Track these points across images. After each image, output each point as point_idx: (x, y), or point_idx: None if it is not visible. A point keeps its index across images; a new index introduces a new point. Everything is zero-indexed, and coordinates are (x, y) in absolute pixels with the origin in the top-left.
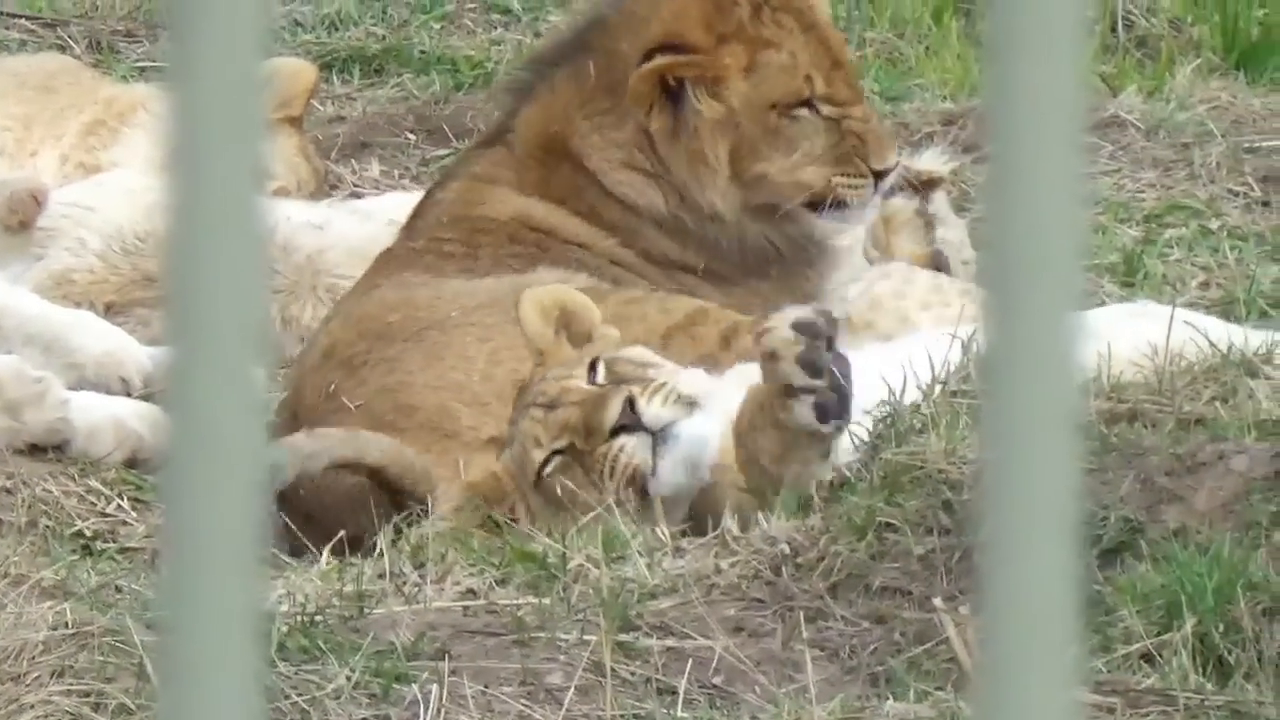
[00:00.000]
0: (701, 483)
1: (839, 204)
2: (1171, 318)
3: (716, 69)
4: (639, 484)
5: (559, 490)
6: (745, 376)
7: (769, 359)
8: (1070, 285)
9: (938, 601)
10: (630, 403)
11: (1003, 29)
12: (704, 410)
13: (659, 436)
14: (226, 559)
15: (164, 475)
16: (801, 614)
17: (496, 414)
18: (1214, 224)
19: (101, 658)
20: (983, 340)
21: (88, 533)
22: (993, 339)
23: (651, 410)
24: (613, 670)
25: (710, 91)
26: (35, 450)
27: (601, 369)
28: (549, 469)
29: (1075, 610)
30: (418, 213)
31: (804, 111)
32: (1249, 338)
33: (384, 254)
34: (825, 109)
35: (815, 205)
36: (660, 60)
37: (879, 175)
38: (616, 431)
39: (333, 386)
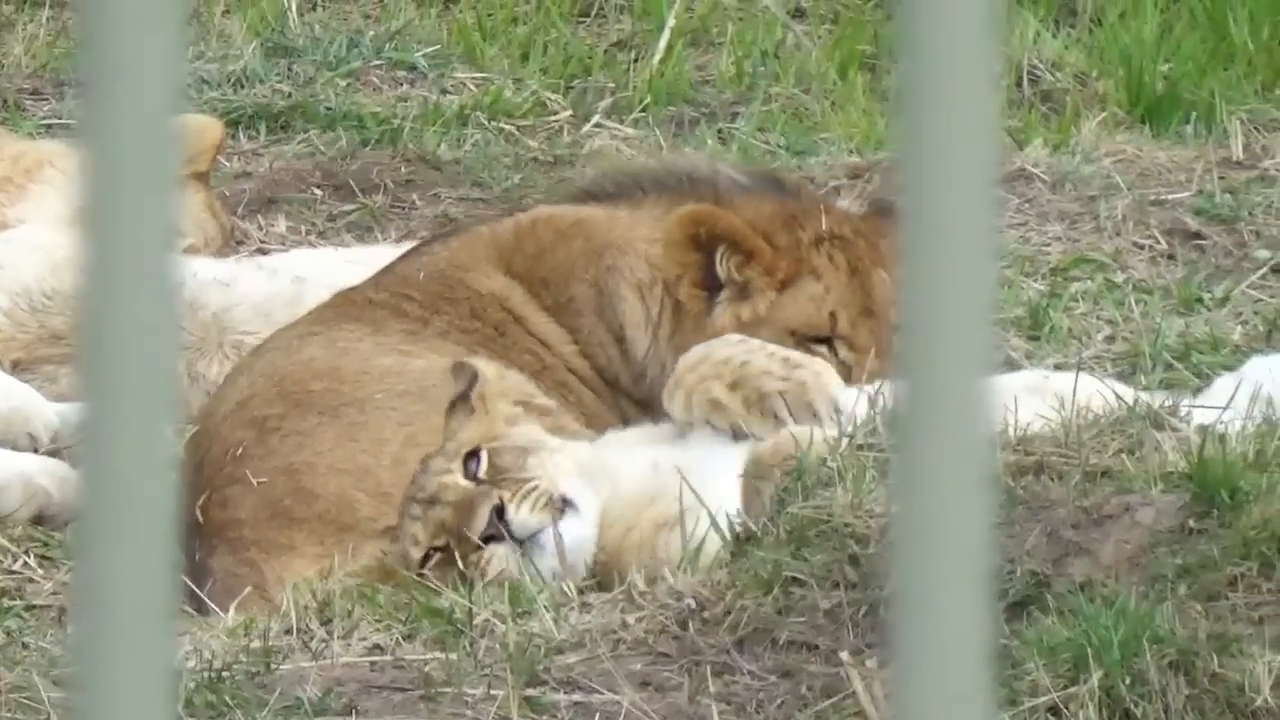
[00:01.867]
0: (582, 574)
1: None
2: (1075, 383)
3: (754, 250)
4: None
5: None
6: (637, 439)
7: None
8: (982, 338)
9: (844, 655)
10: (499, 510)
11: (914, 82)
12: (577, 507)
13: (527, 545)
14: (139, 613)
15: (76, 530)
16: (708, 668)
17: (397, 505)
18: (1119, 277)
19: (9, 714)
20: (895, 393)
21: None
22: (905, 391)
23: (519, 519)
24: None
25: (741, 281)
26: None
27: (484, 460)
28: (429, 566)
29: (988, 663)
30: (403, 259)
31: (821, 349)
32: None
33: (342, 295)
34: (842, 353)
35: None
36: (699, 218)
37: None
38: (487, 539)
39: (240, 449)
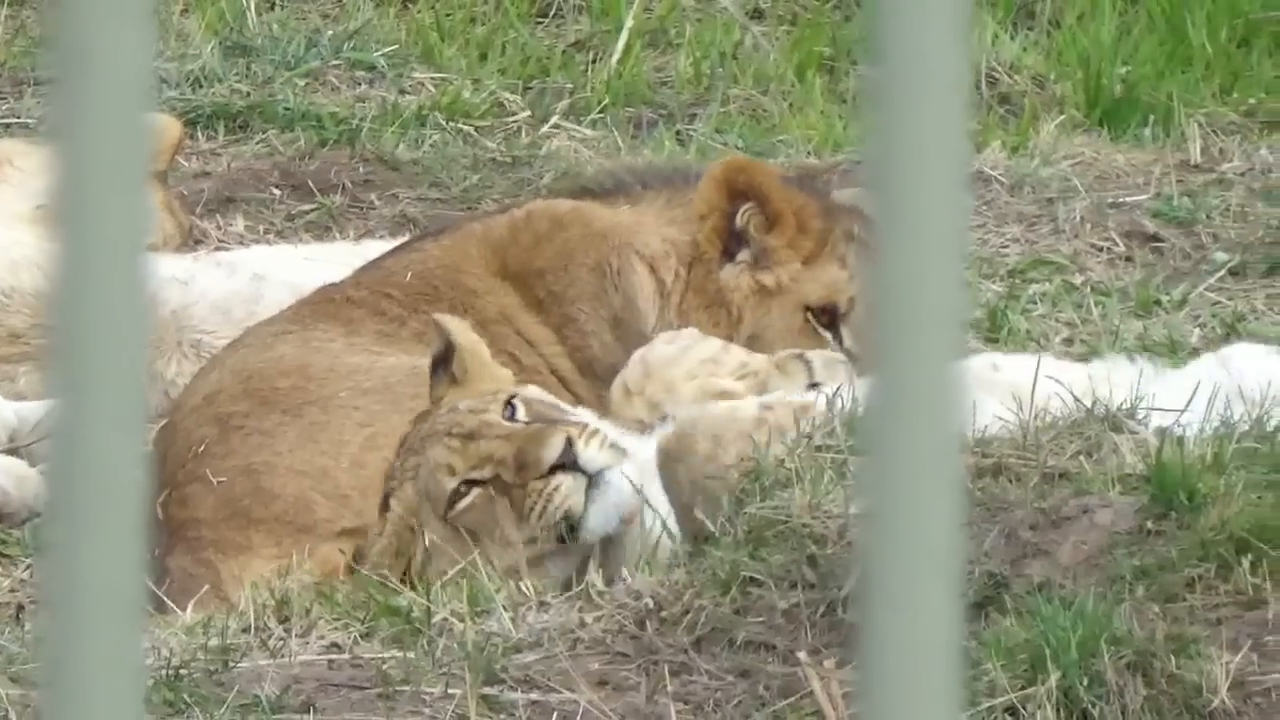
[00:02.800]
0: (619, 532)
1: None
2: (1035, 380)
3: (780, 215)
4: (568, 524)
5: (470, 520)
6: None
7: None
8: (951, 333)
9: (802, 655)
10: (569, 442)
11: (884, 82)
12: (630, 456)
13: (593, 480)
14: (107, 611)
15: (44, 528)
16: (666, 668)
17: (355, 507)
18: (1078, 279)
19: None
20: (864, 392)
21: None
22: (875, 389)
23: (589, 453)
24: None
25: (760, 246)
26: None
27: (520, 407)
28: (463, 501)
29: (955, 662)
30: (391, 254)
31: (828, 334)
32: (1105, 379)
33: (322, 292)
34: (848, 340)
35: None
36: (743, 166)
37: None
38: (554, 470)
39: (203, 446)
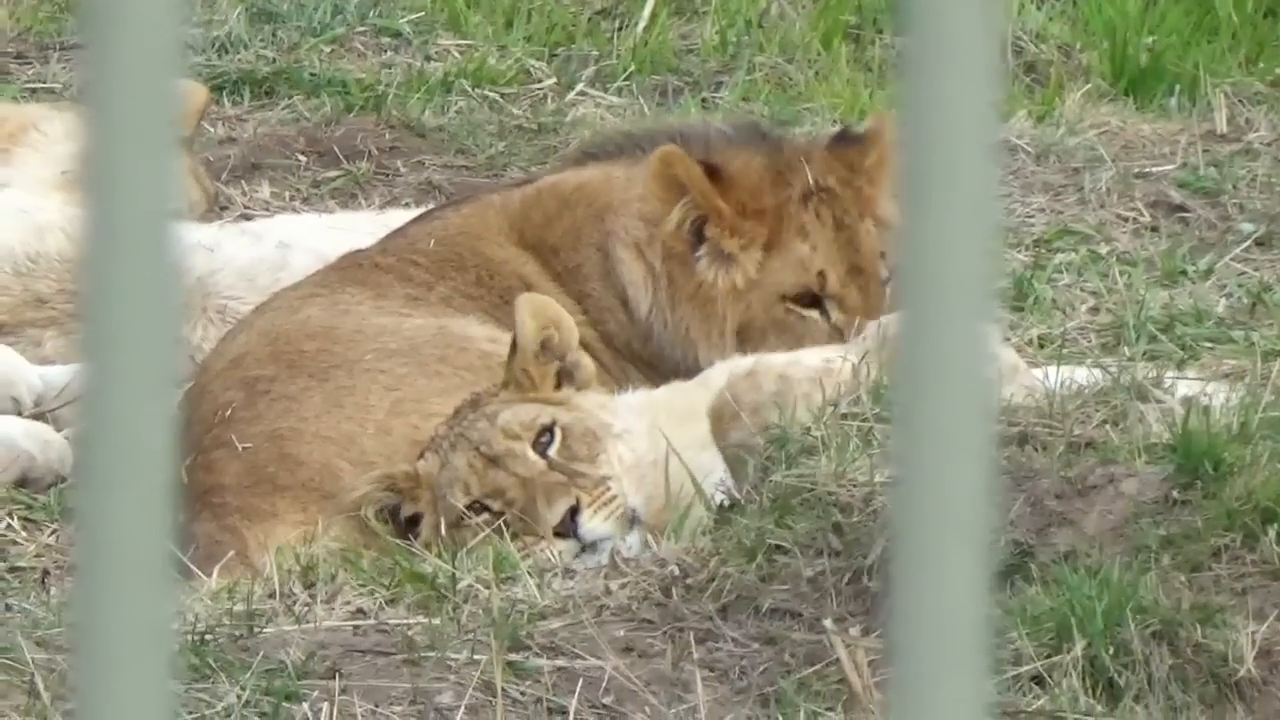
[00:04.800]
0: None
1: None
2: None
3: (712, 211)
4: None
5: (469, 539)
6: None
7: None
8: (982, 302)
9: (827, 623)
10: (573, 511)
11: (915, 50)
12: (640, 521)
13: (589, 547)
14: (138, 573)
15: (77, 491)
16: (691, 635)
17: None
18: (1103, 249)
19: None
20: (898, 355)
21: None
22: (905, 357)
23: (591, 526)
24: (503, 690)
25: (719, 245)
26: None
27: (557, 440)
28: (468, 522)
29: (985, 629)
30: (414, 223)
31: (814, 313)
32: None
33: (348, 258)
34: (834, 315)
35: None
36: (671, 160)
37: None
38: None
39: (230, 410)
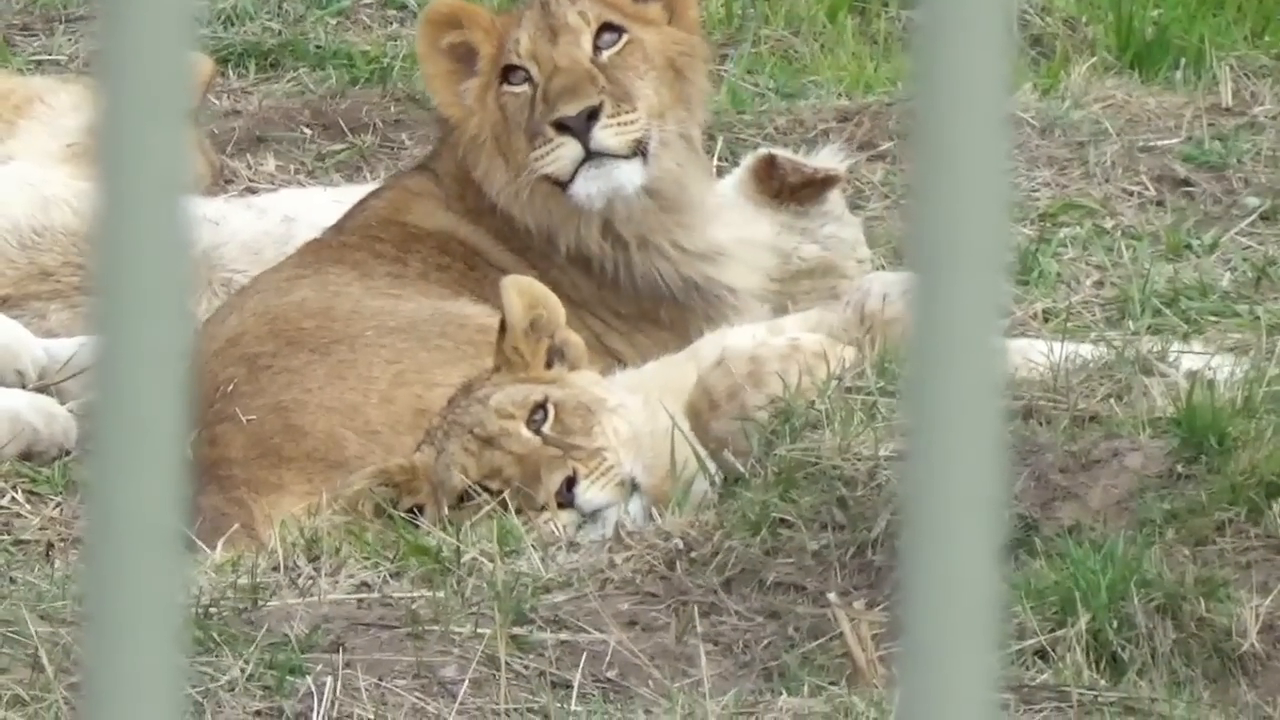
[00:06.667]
0: None
1: (558, 182)
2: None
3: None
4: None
5: (471, 517)
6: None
7: None
8: (993, 273)
9: (832, 597)
10: (569, 482)
11: (928, 20)
12: (641, 488)
13: (589, 517)
14: (147, 546)
15: (86, 464)
16: (696, 608)
17: (386, 443)
18: (1109, 223)
19: None
20: (908, 329)
21: None
22: (915, 331)
23: (589, 495)
24: (507, 664)
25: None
26: None
27: (550, 415)
28: (471, 503)
29: (993, 603)
30: (348, 215)
31: (520, 87)
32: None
33: (311, 244)
34: (533, 69)
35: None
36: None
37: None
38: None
39: (231, 386)
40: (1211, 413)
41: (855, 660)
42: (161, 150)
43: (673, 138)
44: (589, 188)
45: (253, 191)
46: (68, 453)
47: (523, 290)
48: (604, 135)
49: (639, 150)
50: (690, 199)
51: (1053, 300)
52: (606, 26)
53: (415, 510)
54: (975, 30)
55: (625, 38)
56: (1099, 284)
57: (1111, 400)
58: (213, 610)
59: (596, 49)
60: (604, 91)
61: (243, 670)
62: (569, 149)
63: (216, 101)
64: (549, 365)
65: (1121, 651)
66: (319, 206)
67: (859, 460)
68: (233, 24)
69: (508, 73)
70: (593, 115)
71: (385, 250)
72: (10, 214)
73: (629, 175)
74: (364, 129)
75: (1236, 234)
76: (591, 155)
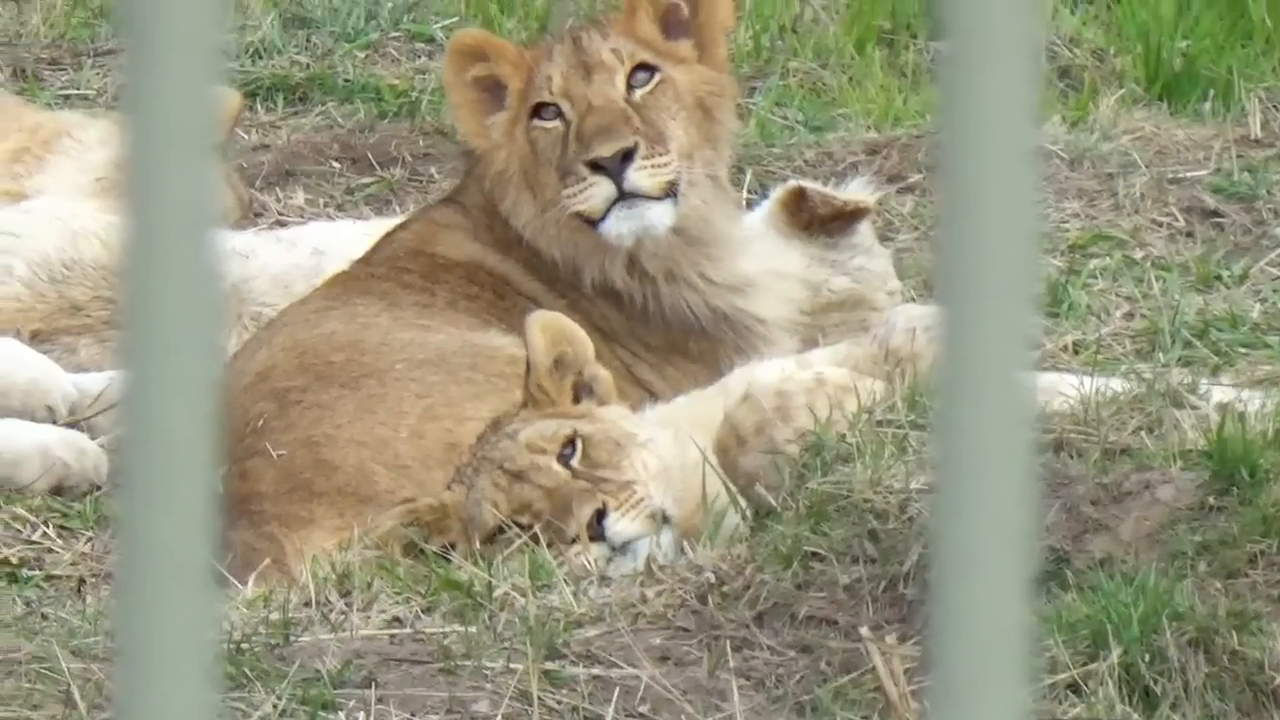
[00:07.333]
0: None
1: (589, 219)
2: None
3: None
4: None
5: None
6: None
7: None
8: (1022, 305)
9: (864, 631)
10: (599, 514)
11: (957, 52)
12: (671, 521)
13: (619, 549)
14: (179, 581)
15: (117, 499)
16: (727, 643)
17: (416, 477)
18: (1138, 254)
19: (28, 685)
20: (938, 361)
21: (13, 560)
22: (946, 359)
23: (619, 527)
24: (539, 699)
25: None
26: None
27: (579, 450)
28: (502, 537)
29: (1024, 637)
30: (375, 247)
31: (552, 123)
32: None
33: (339, 276)
34: (566, 107)
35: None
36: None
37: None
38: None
39: (261, 421)
40: (1243, 445)
41: (888, 694)
42: (189, 184)
43: (700, 178)
44: (620, 227)
45: (282, 225)
46: (98, 488)
47: (547, 327)
48: (638, 177)
49: (670, 191)
50: (716, 234)
51: (1083, 332)
52: (640, 66)
53: (447, 547)
54: (1003, 63)
55: (658, 76)
56: (1129, 315)
57: (1142, 433)
58: (244, 646)
59: (630, 87)
60: (638, 132)
61: (275, 706)
62: (602, 188)
63: (245, 135)
64: (576, 401)
65: (1154, 685)
66: (349, 239)
67: (890, 493)
68: (261, 58)
69: (538, 109)
70: (627, 156)
71: (413, 281)
72: (40, 248)
73: (660, 216)
74: (392, 162)
75: (1266, 265)
76: (624, 195)
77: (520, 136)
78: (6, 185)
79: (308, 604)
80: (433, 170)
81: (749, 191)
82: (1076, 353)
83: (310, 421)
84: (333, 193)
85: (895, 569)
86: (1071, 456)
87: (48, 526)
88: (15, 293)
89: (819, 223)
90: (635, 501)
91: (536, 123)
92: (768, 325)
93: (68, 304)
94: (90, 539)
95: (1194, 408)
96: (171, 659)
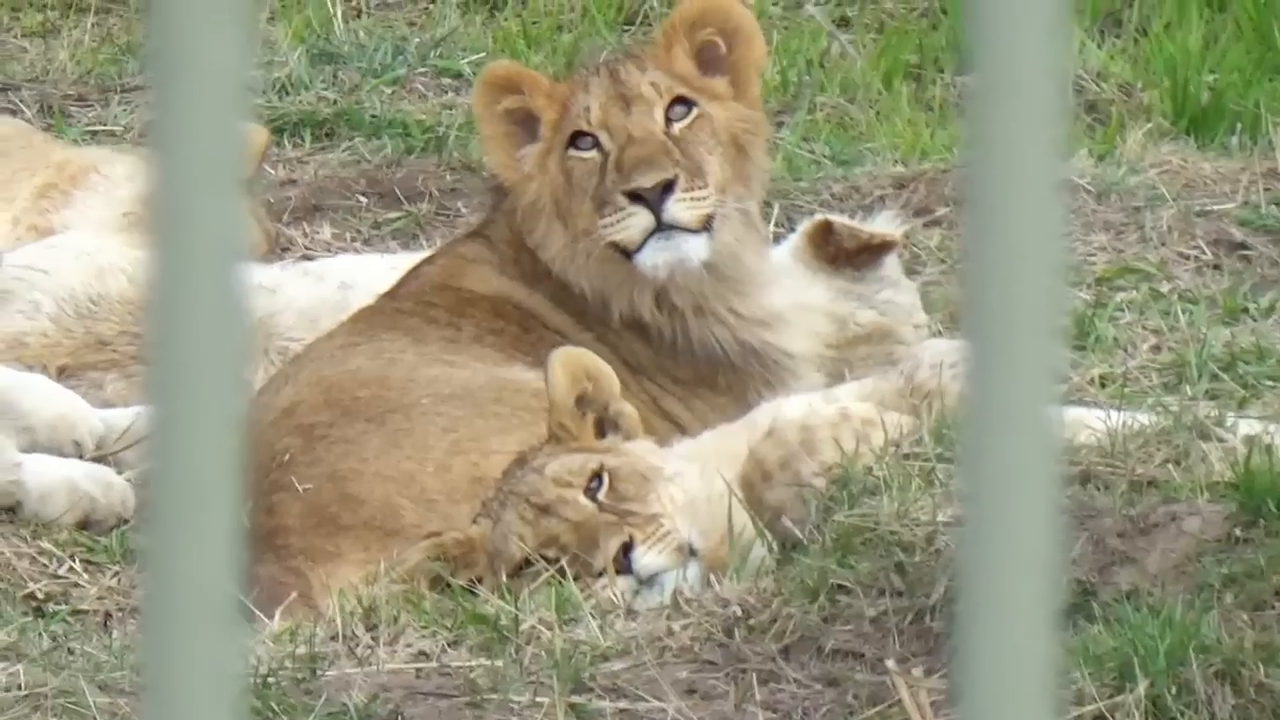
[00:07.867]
0: None
1: (624, 250)
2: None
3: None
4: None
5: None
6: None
7: None
8: (1047, 342)
9: (890, 664)
10: (626, 547)
11: (984, 87)
12: (698, 554)
13: (645, 582)
14: (205, 615)
15: (143, 533)
16: (754, 676)
17: (442, 511)
18: (1165, 287)
19: (55, 719)
20: (963, 397)
21: (40, 594)
22: (972, 392)
23: (646, 560)
24: None
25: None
26: None
27: (606, 483)
28: (529, 570)
29: (1051, 670)
30: (401, 282)
31: (589, 153)
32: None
33: (365, 311)
34: (604, 137)
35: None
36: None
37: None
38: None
39: (287, 455)
40: (1270, 477)
41: None
42: (216, 219)
43: (733, 213)
44: (656, 259)
45: (309, 259)
46: (125, 522)
47: (569, 364)
48: (677, 209)
49: (707, 225)
50: (746, 270)
51: (1109, 365)
52: (678, 100)
53: (474, 581)
54: (1030, 96)
55: (695, 111)
56: (1155, 348)
57: (1169, 465)
58: (271, 680)
59: (668, 120)
60: (678, 164)
61: None
62: (640, 219)
63: (272, 171)
64: (601, 436)
65: (1181, 717)
66: (376, 273)
67: (917, 526)
68: (288, 93)
69: (574, 138)
70: (668, 188)
71: (439, 315)
72: (67, 284)
73: (695, 249)
74: (420, 197)
75: None
76: (662, 227)
77: (554, 167)
78: (34, 220)
79: (334, 638)
80: (459, 205)
81: (776, 225)
82: (1103, 386)
83: (336, 456)
84: (359, 227)
85: (922, 602)
86: (1098, 489)
87: (74, 561)
88: (42, 328)
89: (846, 256)
90: (662, 534)
91: (572, 153)
92: (795, 360)
93: (94, 339)
94: (117, 573)
95: (1221, 440)
96: (198, 694)
